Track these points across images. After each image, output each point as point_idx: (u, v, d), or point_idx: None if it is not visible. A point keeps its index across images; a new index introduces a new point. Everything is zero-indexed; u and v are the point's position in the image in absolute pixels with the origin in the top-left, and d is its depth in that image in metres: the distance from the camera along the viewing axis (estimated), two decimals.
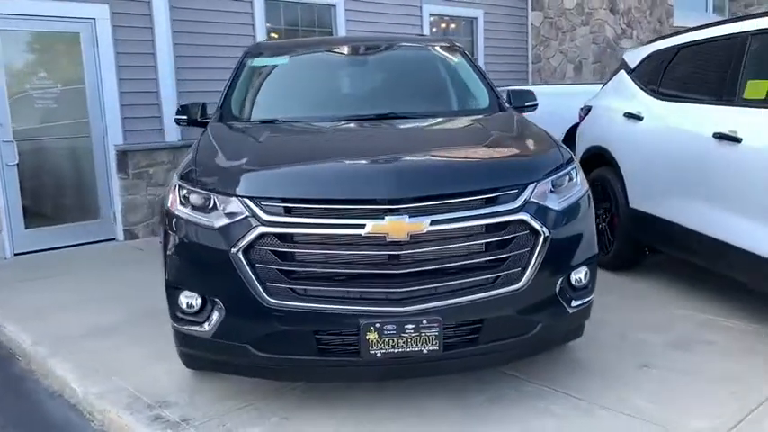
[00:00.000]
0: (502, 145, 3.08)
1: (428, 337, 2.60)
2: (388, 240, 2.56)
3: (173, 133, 7.18)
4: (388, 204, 2.57)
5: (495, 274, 2.69)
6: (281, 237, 2.61)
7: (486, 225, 2.67)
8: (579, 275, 2.92)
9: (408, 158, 2.83)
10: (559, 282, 2.84)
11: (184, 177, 2.93)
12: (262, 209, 2.63)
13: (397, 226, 2.54)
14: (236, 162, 2.87)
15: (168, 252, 2.89)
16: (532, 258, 2.72)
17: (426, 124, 3.56)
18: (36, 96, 6.42)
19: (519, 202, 2.71)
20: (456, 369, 2.92)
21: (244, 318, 2.70)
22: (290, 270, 2.62)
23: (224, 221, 2.70)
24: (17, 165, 6.22)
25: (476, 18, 10.44)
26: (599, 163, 4.92)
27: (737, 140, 3.51)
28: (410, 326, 2.58)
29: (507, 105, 3.89)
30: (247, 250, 2.62)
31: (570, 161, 3.01)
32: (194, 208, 2.82)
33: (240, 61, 4.21)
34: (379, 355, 2.60)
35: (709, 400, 2.94)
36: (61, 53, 6.64)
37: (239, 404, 3.07)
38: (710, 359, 3.38)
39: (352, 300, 2.61)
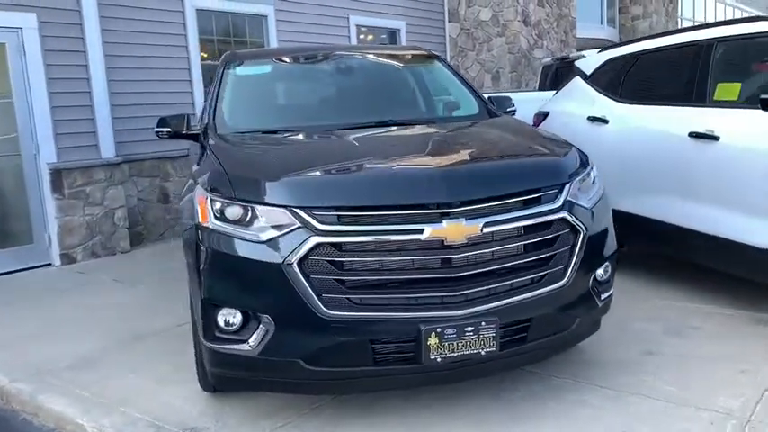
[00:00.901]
0: (531, 147, 3.17)
1: (486, 338, 2.63)
2: (445, 244, 2.57)
3: (109, 149, 6.81)
4: (445, 208, 2.59)
5: (542, 273, 2.76)
6: (336, 246, 2.56)
7: (533, 225, 2.74)
8: (604, 270, 3.06)
9: (455, 163, 2.85)
10: (592, 277, 2.95)
11: (215, 190, 2.79)
12: (316, 218, 2.56)
13: (454, 229, 2.56)
14: (274, 172, 2.78)
15: (203, 269, 2.74)
16: (573, 255, 2.82)
17: (443, 130, 3.60)
18: None
19: (560, 202, 2.81)
20: (504, 368, 2.96)
21: (297, 332, 2.61)
22: (347, 279, 2.57)
23: (272, 234, 2.60)
24: None
25: (399, 29, 10.63)
26: None
27: (715, 139, 3.80)
28: (469, 328, 2.60)
29: (497, 110, 4.00)
30: (301, 262, 2.54)
31: (589, 161, 3.15)
32: (233, 221, 2.70)
33: (222, 71, 4.07)
34: (439, 360, 2.60)
35: (724, 380, 3.15)
36: None
37: (276, 423, 2.97)
38: (703, 343, 3.62)
39: (411, 306, 2.59)
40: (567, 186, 2.86)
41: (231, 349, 2.72)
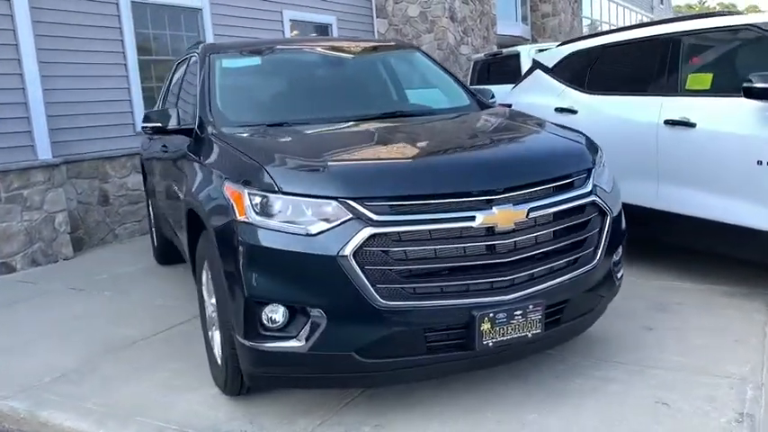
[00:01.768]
0: (552, 134, 3.26)
1: (533, 321, 2.69)
2: (495, 230, 2.61)
3: (45, 149, 6.39)
4: (492, 195, 2.62)
5: (577, 255, 2.86)
6: (391, 236, 2.53)
7: (569, 209, 2.83)
8: (620, 250, 3.20)
9: (494, 150, 2.90)
10: (612, 258, 3.09)
11: (251, 183, 2.69)
12: (369, 209, 2.53)
13: (504, 215, 2.61)
14: (317, 163, 2.72)
15: (243, 266, 2.64)
16: (602, 237, 2.94)
17: (453, 119, 3.62)
18: None
19: (589, 186, 2.92)
20: (541, 349, 3.04)
21: (351, 324, 2.57)
22: (401, 269, 2.55)
23: (322, 226, 2.54)
24: None
25: (330, 24, 10.59)
26: None
27: (692, 125, 4.05)
28: (518, 312, 2.65)
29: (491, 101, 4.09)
30: (356, 253, 2.50)
31: (599, 148, 3.29)
32: (276, 215, 2.62)
33: (206, 63, 3.91)
34: (491, 344, 2.64)
35: (724, 349, 3.38)
36: None
37: (317, 420, 2.91)
38: (690, 317, 3.85)
39: (463, 293, 2.61)
40: (593, 171, 2.98)
41: (278, 347, 2.64)
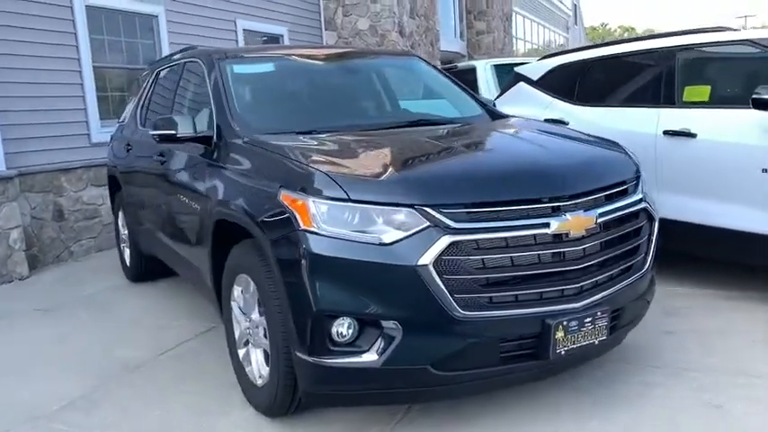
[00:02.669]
0: (597, 144, 3.29)
1: (600, 327, 2.69)
2: (568, 237, 2.60)
3: None
4: (562, 201, 2.61)
5: (632, 261, 2.89)
6: (470, 244, 2.47)
7: (626, 215, 2.86)
8: None
9: (554, 157, 2.88)
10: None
11: (316, 191, 2.56)
12: (447, 216, 2.46)
13: (577, 222, 2.60)
14: (387, 170, 2.62)
15: (310, 278, 2.51)
16: (650, 243, 2.99)
17: (488, 128, 3.60)
18: None
19: (640, 193, 2.97)
20: (599, 355, 3.03)
21: (428, 336, 2.48)
22: (478, 278, 2.49)
23: (397, 235, 2.45)
24: None
25: (282, 35, 10.44)
26: None
27: (692, 136, 4.21)
28: (588, 319, 2.64)
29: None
30: (436, 262, 2.42)
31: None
32: (344, 224, 2.50)
33: (217, 69, 3.73)
34: (563, 353, 2.62)
35: (747, 349, 3.51)
36: None
37: (384, 429, 2.80)
38: (702, 320, 3.96)
39: (536, 301, 2.58)
40: (640, 179, 3.03)
41: (348, 362, 2.52)
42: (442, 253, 2.43)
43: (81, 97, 6.99)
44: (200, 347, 3.97)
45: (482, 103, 4.16)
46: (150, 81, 5.10)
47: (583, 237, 2.64)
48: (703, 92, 4.30)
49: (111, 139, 5.92)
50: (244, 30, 9.51)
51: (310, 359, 2.56)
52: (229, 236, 3.21)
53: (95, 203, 7.12)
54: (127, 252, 5.63)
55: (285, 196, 2.66)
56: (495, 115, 4.04)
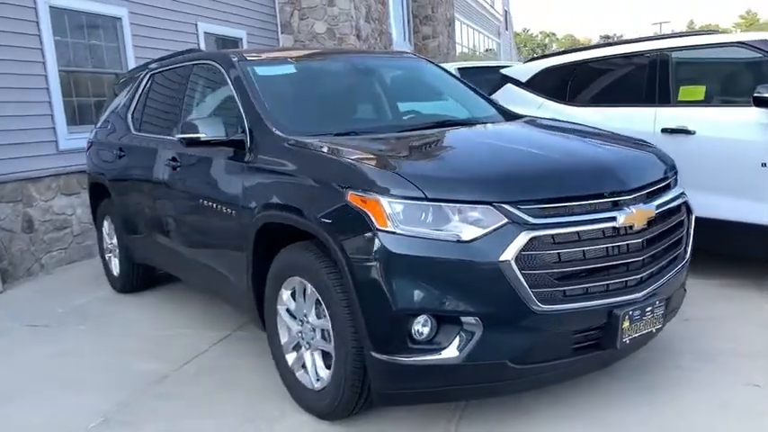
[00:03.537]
0: (633, 142, 3.41)
1: (658, 316, 2.82)
2: (631, 229, 2.70)
3: None
4: (624, 195, 2.71)
5: (678, 252, 3.03)
6: (547, 239, 2.53)
7: (673, 207, 2.99)
8: None
9: (607, 153, 2.99)
10: None
11: (388, 191, 2.56)
12: (525, 212, 2.51)
13: (640, 214, 2.70)
14: (460, 169, 2.67)
15: (388, 277, 2.51)
16: (690, 234, 3.14)
17: (528, 127, 3.67)
18: None
19: (680, 187, 3.11)
20: (645, 343, 3.13)
21: (508, 331, 2.53)
22: (554, 272, 2.55)
23: (477, 232, 2.48)
24: None
25: (241, 39, 10.30)
26: None
27: (691, 133, 4.43)
28: (648, 308, 2.75)
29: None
30: (517, 258, 2.47)
31: None
32: (420, 222, 2.52)
33: (240, 71, 3.66)
34: (627, 341, 2.72)
35: (762, 334, 3.71)
36: None
37: (444, 429, 2.82)
38: (712, 307, 4.11)
39: (604, 293, 2.66)
40: (677, 174, 3.18)
41: (428, 360, 2.54)
42: (523, 248, 2.48)
43: (47, 102, 6.68)
44: (223, 356, 3.87)
45: (494, 104, 4.24)
46: (144, 85, 4.93)
47: (643, 229, 2.75)
48: (698, 91, 4.53)
49: (91, 144, 5.69)
50: (205, 33, 9.33)
51: (388, 358, 2.56)
52: (273, 240, 3.17)
53: (65, 213, 6.82)
54: (114, 262, 5.42)
55: (354, 196, 2.64)
56: (509, 115, 4.12)
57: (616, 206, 2.69)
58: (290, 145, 3.14)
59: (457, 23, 24.01)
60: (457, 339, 2.53)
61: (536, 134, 3.52)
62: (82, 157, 6.88)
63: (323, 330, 2.93)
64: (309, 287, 2.92)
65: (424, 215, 2.53)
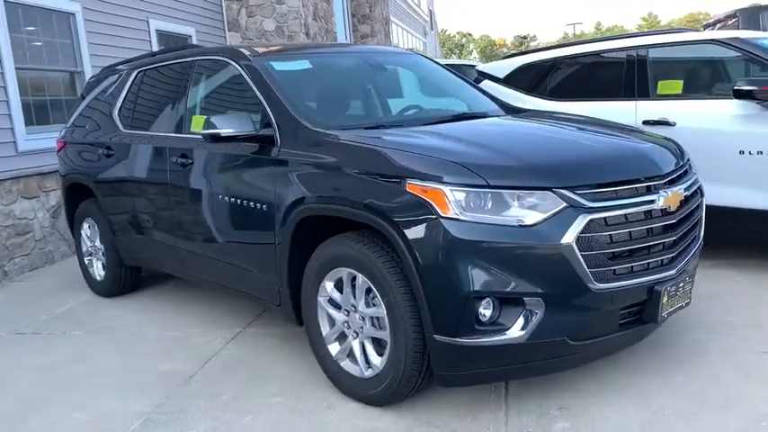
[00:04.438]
0: (646, 131, 3.63)
1: (687, 291, 3.05)
2: (667, 211, 2.90)
3: None
4: (662, 179, 2.92)
5: (696, 232, 3.27)
6: (599, 221, 2.68)
7: (695, 190, 3.23)
8: None
9: (644, 142, 3.18)
10: None
11: (449, 180, 2.65)
12: (582, 196, 2.66)
13: (674, 197, 2.91)
14: (516, 156, 2.79)
15: (454, 263, 2.60)
16: (703, 216, 3.38)
17: (552, 119, 3.84)
18: None
19: (695, 173, 3.35)
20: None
21: (568, 310, 2.67)
22: (607, 252, 2.71)
23: (538, 216, 2.61)
24: None
25: (190, 36, 10.10)
26: None
27: (671, 125, 4.74)
28: (681, 284, 2.97)
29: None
30: (577, 240, 2.62)
31: None
32: (483, 209, 2.62)
33: (257, 67, 3.65)
34: (665, 315, 2.92)
35: (759, 306, 4.00)
36: None
37: (498, 412, 2.94)
38: (712, 285, 4.35)
39: (645, 270, 2.85)
40: (690, 159, 3.42)
41: (494, 341, 2.65)
42: (582, 231, 2.63)
43: (5, 102, 6.37)
44: (243, 353, 3.85)
45: (494, 98, 4.40)
46: (131, 82, 4.80)
47: (676, 210, 2.96)
48: (676, 85, 4.85)
49: (66, 143, 5.48)
50: (156, 30, 9.09)
51: (453, 340, 2.66)
52: (312, 233, 3.20)
53: (26, 217, 6.52)
54: (97, 265, 5.25)
55: (413, 186, 2.72)
56: (509, 108, 4.27)
57: (655, 189, 2.89)
58: (331, 138, 3.17)
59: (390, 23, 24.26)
60: (521, 319, 2.65)
61: (558, 125, 3.68)
62: (42, 159, 6.65)
63: (373, 318, 2.99)
64: (360, 277, 2.97)
65: (485, 202, 2.64)
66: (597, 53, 5.35)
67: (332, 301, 3.18)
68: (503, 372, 2.81)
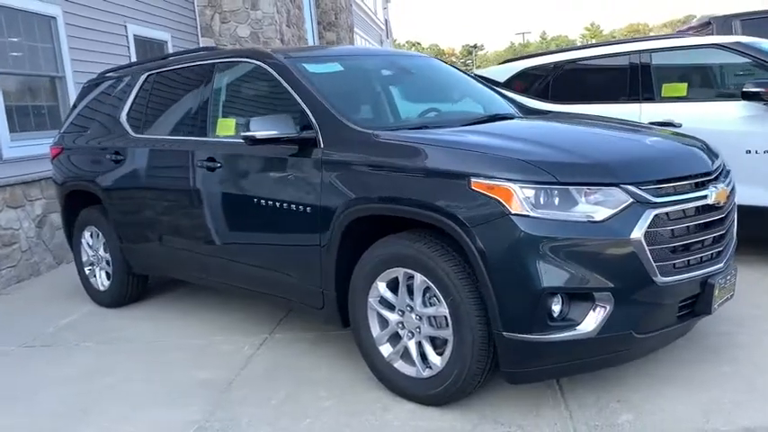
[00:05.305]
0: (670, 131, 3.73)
1: (733, 283, 3.14)
2: (718, 205, 3.00)
3: None
4: (710, 176, 3.02)
5: (733, 227, 3.38)
6: (662, 216, 2.75)
7: (733, 186, 3.33)
8: None
9: (687, 142, 3.26)
10: None
11: (517, 177, 2.66)
12: (647, 192, 2.72)
13: (722, 193, 3.01)
14: (582, 154, 2.85)
15: (527, 260, 2.62)
16: (735, 213, 3.50)
17: (587, 120, 3.89)
18: None
19: (729, 172, 3.46)
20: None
21: (635, 303, 2.72)
22: (669, 246, 2.78)
23: (607, 212, 2.66)
24: None
25: (166, 41, 9.93)
26: None
27: (677, 126, 4.88)
28: (728, 276, 3.06)
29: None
30: (645, 235, 2.67)
31: None
32: (552, 205, 2.66)
33: (294, 70, 3.60)
34: (716, 307, 3.01)
35: None
36: None
37: (560, 406, 2.97)
38: None
39: (699, 264, 2.93)
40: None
41: (565, 336, 2.68)
42: (649, 225, 2.69)
43: None
44: (278, 358, 3.78)
45: (511, 100, 4.45)
46: (140, 86, 4.68)
47: (724, 205, 3.06)
48: (681, 88, 5.00)
49: (62, 150, 5.30)
50: (134, 35, 8.90)
51: (524, 337, 2.68)
52: (361, 234, 3.19)
53: (12, 228, 6.26)
54: (100, 275, 5.08)
55: (478, 184, 2.73)
56: (525, 110, 4.33)
57: (704, 185, 2.98)
58: (382, 140, 3.16)
59: None
60: (591, 314, 2.69)
61: (595, 125, 3.75)
62: (26, 167, 6.42)
63: (431, 318, 2.98)
64: (419, 276, 2.96)
65: (553, 199, 2.67)
66: (600, 57, 5.48)
67: (384, 302, 3.15)
68: (570, 367, 2.84)
